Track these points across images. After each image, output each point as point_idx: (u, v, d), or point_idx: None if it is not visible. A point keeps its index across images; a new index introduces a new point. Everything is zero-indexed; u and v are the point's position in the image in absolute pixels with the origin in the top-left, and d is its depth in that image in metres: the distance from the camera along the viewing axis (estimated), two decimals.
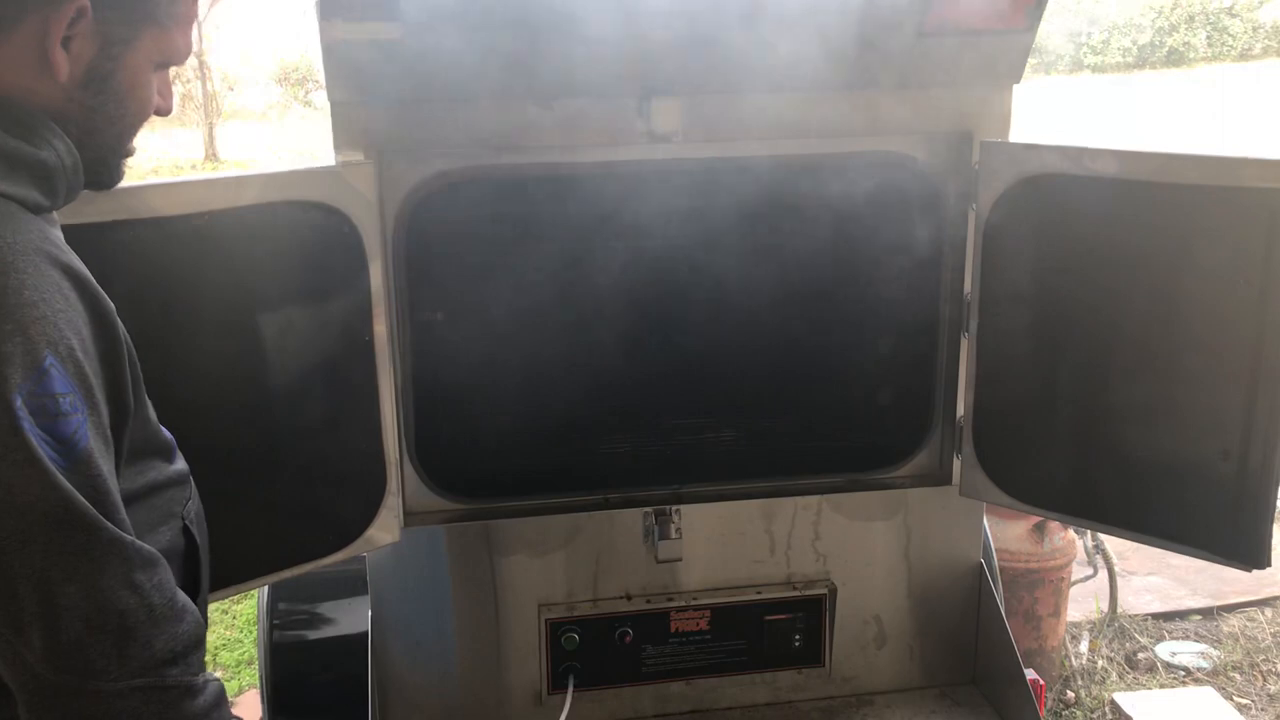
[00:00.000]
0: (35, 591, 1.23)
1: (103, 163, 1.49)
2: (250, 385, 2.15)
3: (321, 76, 2.26)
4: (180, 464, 1.60)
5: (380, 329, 2.24)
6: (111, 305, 1.37)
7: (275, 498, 2.19)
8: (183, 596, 1.36)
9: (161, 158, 19.51)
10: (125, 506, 1.40)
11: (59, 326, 1.26)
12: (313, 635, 2.89)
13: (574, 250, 2.47)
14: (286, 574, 2.28)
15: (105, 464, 1.29)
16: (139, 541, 1.30)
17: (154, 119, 1.60)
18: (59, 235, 1.40)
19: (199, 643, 1.36)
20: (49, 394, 1.23)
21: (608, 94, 2.27)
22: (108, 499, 1.28)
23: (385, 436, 2.30)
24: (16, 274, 1.24)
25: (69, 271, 1.31)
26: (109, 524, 1.27)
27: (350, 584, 2.69)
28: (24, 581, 1.23)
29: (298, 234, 2.13)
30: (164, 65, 1.50)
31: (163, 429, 1.58)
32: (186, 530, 1.56)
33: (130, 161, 1.58)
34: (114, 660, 1.26)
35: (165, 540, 1.50)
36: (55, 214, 1.46)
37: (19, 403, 1.20)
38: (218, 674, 1.39)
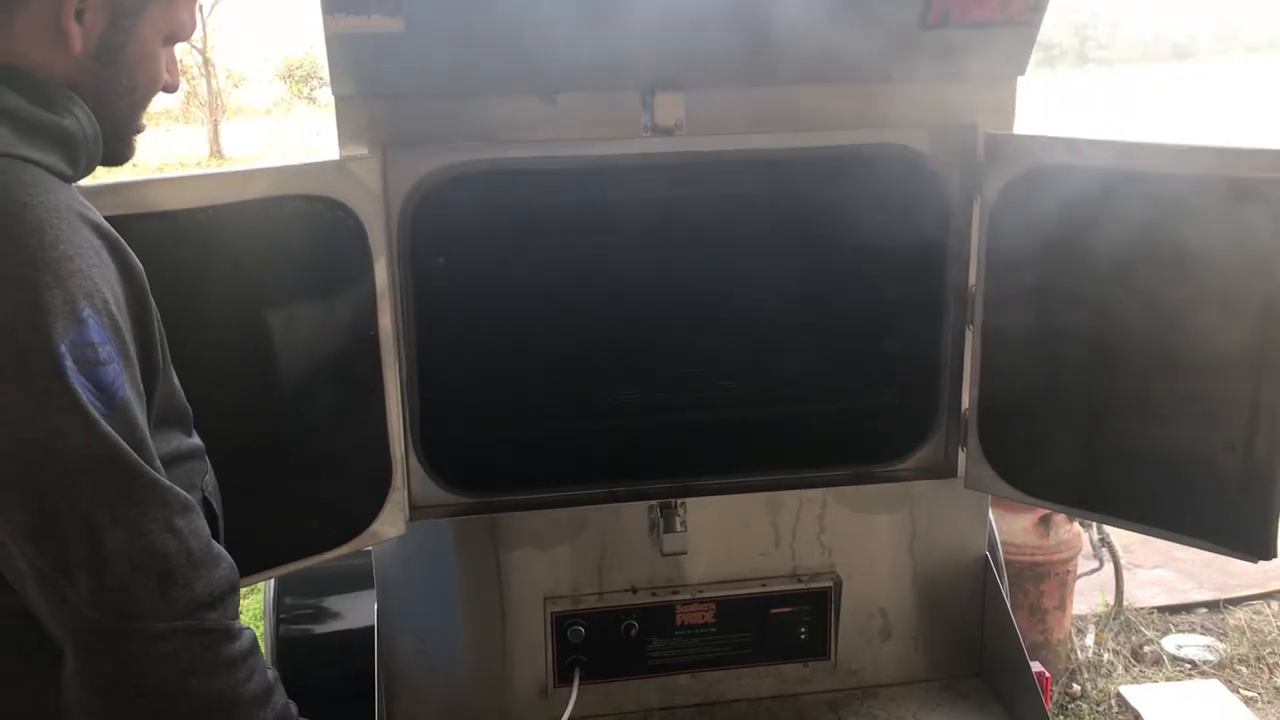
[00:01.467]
0: (82, 534, 1.27)
1: (116, 135, 1.53)
2: (255, 380, 2.15)
3: (325, 72, 2.26)
4: (196, 439, 1.64)
5: (385, 323, 2.24)
6: (141, 267, 1.41)
7: (281, 492, 2.19)
8: (217, 544, 1.40)
9: (167, 155, 19.54)
10: None
11: (94, 280, 1.30)
12: (319, 630, 2.90)
13: (578, 243, 2.48)
14: (292, 568, 2.29)
15: (141, 414, 1.34)
16: (175, 487, 1.34)
17: (160, 121, 1.62)
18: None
19: (234, 588, 1.40)
20: (89, 343, 1.27)
21: (611, 87, 2.27)
22: (145, 446, 1.32)
23: (391, 430, 2.30)
24: (52, 230, 1.28)
25: (99, 230, 1.35)
26: (149, 469, 1.31)
27: (355, 578, 2.70)
28: (71, 525, 1.26)
29: (302, 228, 2.14)
30: (171, 40, 1.55)
31: (183, 400, 1.61)
32: (206, 502, 1.59)
33: (136, 159, 1.61)
34: (157, 601, 1.30)
35: None
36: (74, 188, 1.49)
37: (63, 349, 1.24)
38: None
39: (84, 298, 1.28)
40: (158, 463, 1.35)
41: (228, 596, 1.38)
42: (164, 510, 1.32)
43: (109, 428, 1.27)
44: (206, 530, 1.38)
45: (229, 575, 1.39)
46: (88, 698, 1.32)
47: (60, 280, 1.26)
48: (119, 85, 1.50)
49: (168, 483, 1.33)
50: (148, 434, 1.34)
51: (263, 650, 1.47)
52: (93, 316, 1.28)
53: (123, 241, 1.39)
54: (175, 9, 1.52)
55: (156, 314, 1.46)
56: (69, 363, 1.25)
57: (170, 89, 1.58)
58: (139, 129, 1.59)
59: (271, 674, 1.46)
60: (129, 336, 1.35)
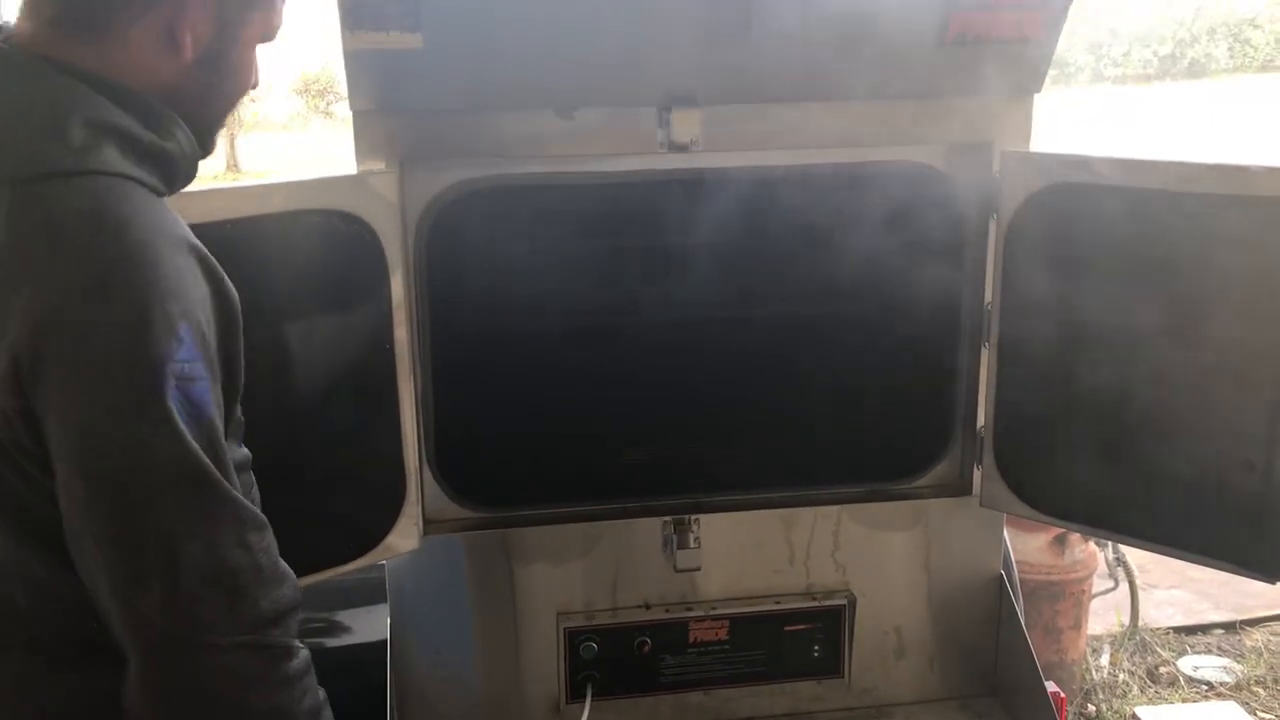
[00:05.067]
0: (159, 545, 1.31)
1: (207, 134, 1.58)
2: (271, 392, 2.15)
3: (343, 87, 2.28)
4: (246, 449, 1.67)
5: (401, 337, 2.25)
6: (233, 289, 1.45)
7: (295, 505, 2.17)
8: (284, 563, 1.44)
9: None
10: None
11: (190, 300, 1.35)
12: (331, 643, 2.89)
13: (594, 259, 2.48)
14: (306, 581, 2.27)
15: (222, 432, 1.39)
16: (250, 504, 1.39)
17: None
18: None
19: (297, 607, 1.44)
20: (184, 360, 1.32)
21: (628, 104, 2.28)
22: (225, 463, 1.37)
23: (405, 444, 2.30)
24: (154, 249, 1.33)
25: (195, 251, 1.41)
26: (228, 486, 1.36)
27: (368, 592, 2.70)
28: (150, 536, 1.31)
29: (320, 242, 2.15)
30: (263, 42, 1.59)
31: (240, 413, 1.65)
32: None
33: None
34: (224, 615, 1.34)
35: None
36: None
37: (163, 367, 1.30)
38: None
39: (181, 317, 1.32)
40: (235, 478, 1.39)
41: (290, 615, 1.42)
42: (239, 527, 1.36)
43: (195, 444, 1.32)
44: (275, 548, 1.42)
45: (293, 594, 1.43)
46: (153, 704, 1.36)
47: (162, 299, 1.31)
48: (218, 89, 1.55)
49: (244, 500, 1.38)
50: (226, 451, 1.39)
51: None
52: (188, 335, 1.33)
53: (215, 262, 1.43)
54: (272, 15, 1.57)
55: (242, 333, 1.51)
56: (167, 380, 1.29)
57: (254, 86, 1.63)
58: (224, 126, 1.64)
59: (321, 694, 1.49)
60: (215, 355, 1.39)
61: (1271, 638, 4.90)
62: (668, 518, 2.54)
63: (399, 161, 2.24)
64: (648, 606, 2.58)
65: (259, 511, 1.41)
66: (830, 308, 2.57)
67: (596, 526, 2.54)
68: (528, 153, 2.31)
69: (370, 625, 2.66)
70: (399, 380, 2.27)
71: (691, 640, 2.57)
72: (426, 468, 2.46)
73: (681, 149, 2.29)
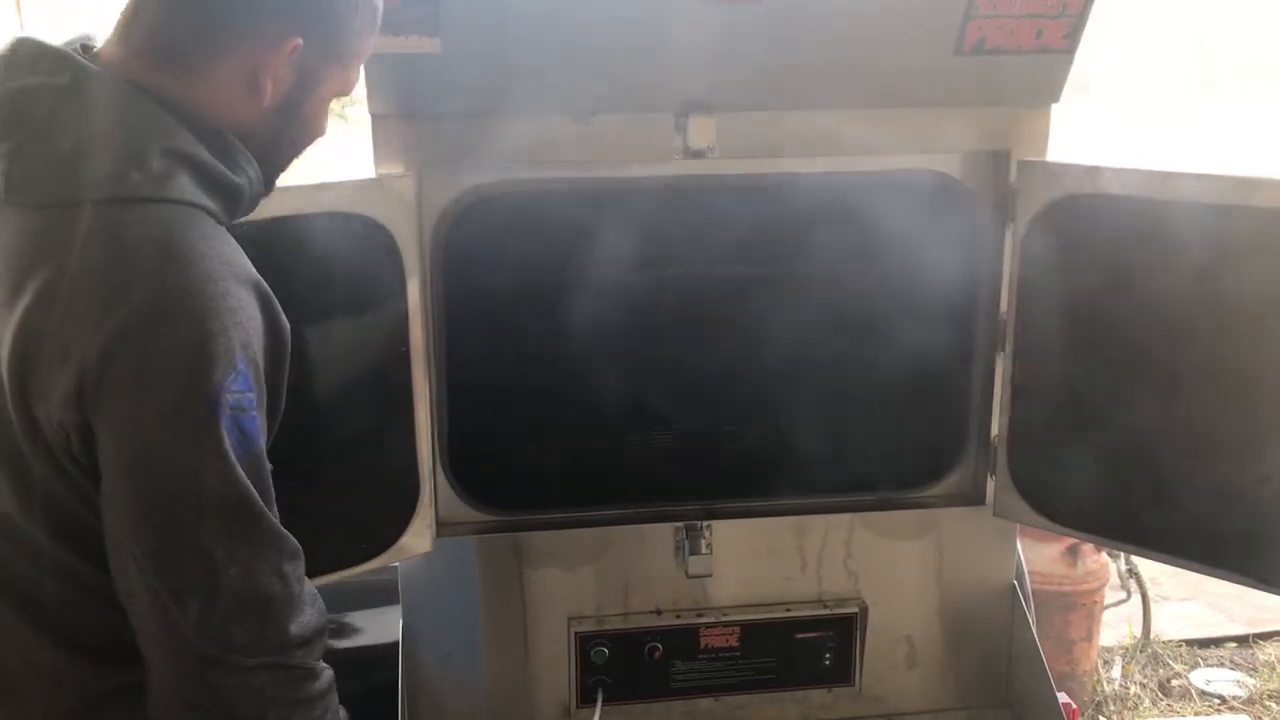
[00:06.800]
0: (200, 567, 1.36)
1: (272, 175, 1.64)
2: (287, 395, 2.16)
3: (358, 90, 2.28)
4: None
5: (417, 340, 2.26)
6: (286, 323, 1.50)
7: (309, 507, 2.17)
8: (312, 589, 1.50)
9: None
10: None
11: (249, 332, 1.39)
12: (342, 644, 2.90)
13: (609, 265, 2.48)
14: (319, 581, 2.28)
15: (266, 462, 1.44)
16: (288, 534, 1.44)
17: None
18: None
19: (322, 631, 1.50)
20: (240, 391, 1.36)
21: (645, 110, 2.28)
22: (268, 493, 1.43)
23: (420, 447, 2.31)
24: (223, 283, 1.38)
25: (254, 285, 1.45)
26: (270, 516, 1.41)
27: (380, 594, 2.70)
28: (192, 557, 1.36)
29: (337, 245, 2.15)
30: (336, 96, 1.66)
31: None
32: None
33: None
34: (254, 638, 1.39)
35: None
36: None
37: (219, 396, 1.33)
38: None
39: (240, 348, 1.36)
40: (275, 508, 1.43)
41: (316, 639, 1.48)
42: (276, 555, 1.41)
43: (243, 473, 1.36)
44: (304, 575, 1.48)
45: (319, 619, 1.49)
46: (176, 715, 1.41)
47: (225, 330, 1.34)
48: (291, 136, 1.61)
49: (283, 529, 1.43)
50: (270, 481, 1.43)
51: None
52: (245, 367, 1.36)
53: (272, 295, 1.47)
54: (350, 72, 1.63)
55: (288, 367, 1.54)
56: (222, 409, 1.33)
57: (322, 135, 1.69)
58: (286, 171, 1.70)
59: (343, 713, 1.54)
60: (264, 386, 1.44)
61: None
62: (680, 524, 2.54)
63: (417, 165, 2.25)
64: (659, 612, 2.58)
65: (295, 542, 1.45)
66: (845, 316, 2.56)
67: (608, 531, 2.55)
68: (545, 158, 2.32)
69: (382, 627, 2.67)
70: (414, 383, 2.27)
71: (702, 646, 2.57)
72: (440, 470, 2.46)
73: (698, 155, 2.29)
